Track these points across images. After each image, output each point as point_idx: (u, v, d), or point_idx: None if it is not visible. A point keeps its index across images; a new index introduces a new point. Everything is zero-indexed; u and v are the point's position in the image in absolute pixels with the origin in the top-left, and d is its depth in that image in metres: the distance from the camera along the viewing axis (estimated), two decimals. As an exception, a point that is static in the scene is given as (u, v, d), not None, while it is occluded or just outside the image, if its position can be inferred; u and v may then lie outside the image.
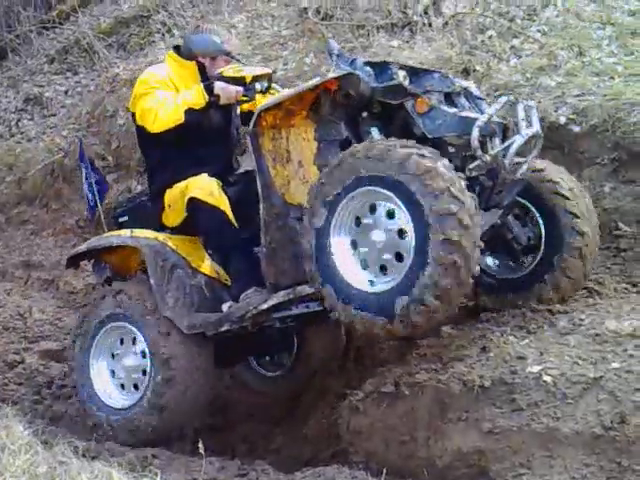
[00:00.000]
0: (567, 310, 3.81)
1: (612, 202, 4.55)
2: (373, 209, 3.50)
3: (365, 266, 3.52)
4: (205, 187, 3.98)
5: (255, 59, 6.85)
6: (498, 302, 4.07)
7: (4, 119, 9.15)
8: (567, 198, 3.92)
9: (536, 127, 3.84)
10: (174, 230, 4.21)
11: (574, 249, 3.89)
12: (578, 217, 3.90)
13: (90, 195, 4.90)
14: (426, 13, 6.60)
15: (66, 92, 9.05)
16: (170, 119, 3.98)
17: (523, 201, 4.01)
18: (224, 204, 3.98)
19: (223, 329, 3.95)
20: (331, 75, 3.74)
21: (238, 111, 4.30)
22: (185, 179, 4.07)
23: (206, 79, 4.19)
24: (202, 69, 4.26)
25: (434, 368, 3.65)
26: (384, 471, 3.29)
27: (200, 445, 3.13)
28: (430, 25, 6.45)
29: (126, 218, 4.45)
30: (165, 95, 4.07)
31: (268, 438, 4.42)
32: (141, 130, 4.19)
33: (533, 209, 4.00)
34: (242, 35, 7.54)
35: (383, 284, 3.45)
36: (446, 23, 6.40)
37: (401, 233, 3.43)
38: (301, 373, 4.64)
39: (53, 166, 7.56)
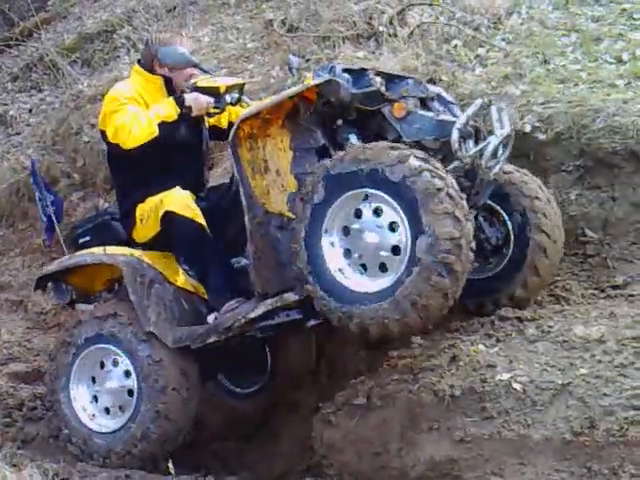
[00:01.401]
0: (535, 317, 3.84)
1: (578, 208, 4.57)
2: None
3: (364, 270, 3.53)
4: (180, 200, 3.96)
5: (221, 72, 6.82)
6: (466, 303, 4.07)
7: (-31, 140, 9.04)
8: (534, 199, 3.96)
9: (508, 128, 3.88)
10: (145, 246, 4.18)
11: (540, 248, 3.94)
12: (545, 217, 3.96)
13: (45, 218, 4.74)
14: (391, 24, 6.62)
15: (30, 110, 8.95)
16: (144, 134, 3.95)
17: (491, 204, 4.04)
18: (199, 217, 3.97)
19: (211, 340, 3.94)
20: (312, 82, 3.76)
21: (207, 125, 4.28)
22: (157, 194, 4.04)
23: (172, 92, 4.17)
24: (168, 82, 4.23)
25: (405, 379, 3.65)
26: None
27: (170, 465, 3.09)
28: (396, 35, 6.46)
29: (88, 238, 4.39)
30: (136, 110, 4.04)
31: (241, 454, 4.39)
32: (112, 147, 4.16)
33: (500, 210, 4.03)
34: (207, 49, 7.53)
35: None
36: (411, 33, 6.42)
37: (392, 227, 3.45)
38: (274, 389, 4.60)
39: (19, 185, 7.45)
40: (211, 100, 4.02)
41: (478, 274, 4.12)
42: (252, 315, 3.82)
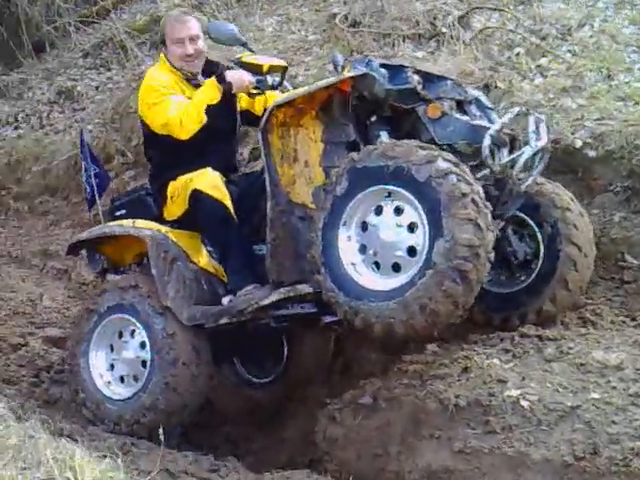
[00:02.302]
0: (557, 337, 3.71)
1: (620, 232, 4.41)
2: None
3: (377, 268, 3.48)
4: (209, 180, 3.95)
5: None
6: (491, 317, 3.98)
7: (36, 110, 9.26)
8: (565, 210, 3.87)
9: (545, 140, 3.77)
10: (174, 223, 4.19)
11: (570, 261, 3.82)
12: (577, 228, 3.84)
13: (89, 188, 4.81)
14: (455, 26, 6.51)
15: (97, 87, 9.13)
16: (194, 123, 3.94)
17: (522, 215, 3.94)
18: (227, 199, 3.95)
19: (222, 322, 3.94)
20: (347, 74, 3.70)
21: (238, 108, 4.26)
22: (189, 173, 4.04)
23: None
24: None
25: (413, 384, 3.58)
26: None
27: (160, 433, 3.11)
28: (457, 38, 6.36)
29: (123, 212, 4.43)
30: (179, 99, 4.04)
31: (250, 440, 4.39)
32: (148, 130, 4.18)
33: (532, 224, 3.93)
34: (269, 38, 7.55)
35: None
36: (474, 37, 6.31)
37: (411, 227, 3.40)
38: (288, 381, 4.57)
39: (77, 159, 7.58)
40: (253, 79, 3.97)
41: (506, 288, 4.03)
42: (265, 302, 3.79)
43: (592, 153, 4.71)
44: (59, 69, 9.89)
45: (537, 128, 3.80)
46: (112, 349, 4.18)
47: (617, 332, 3.80)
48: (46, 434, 2.82)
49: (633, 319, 4.01)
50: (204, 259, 4.14)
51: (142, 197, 4.48)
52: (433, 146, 3.45)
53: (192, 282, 4.02)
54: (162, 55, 4.25)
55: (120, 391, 4.12)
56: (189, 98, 4.05)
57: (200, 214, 3.99)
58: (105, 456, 2.64)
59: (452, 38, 6.40)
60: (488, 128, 3.63)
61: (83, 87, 9.31)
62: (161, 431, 3.22)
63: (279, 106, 3.75)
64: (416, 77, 3.66)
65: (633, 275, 4.27)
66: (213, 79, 4.01)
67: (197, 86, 4.11)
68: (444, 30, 6.50)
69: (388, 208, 3.45)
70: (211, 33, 4.07)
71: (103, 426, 4.00)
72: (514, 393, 3.30)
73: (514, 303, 3.97)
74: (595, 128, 4.82)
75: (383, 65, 3.69)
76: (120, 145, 7.25)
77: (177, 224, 4.19)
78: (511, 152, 3.74)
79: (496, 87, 5.55)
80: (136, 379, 4.07)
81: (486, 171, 3.62)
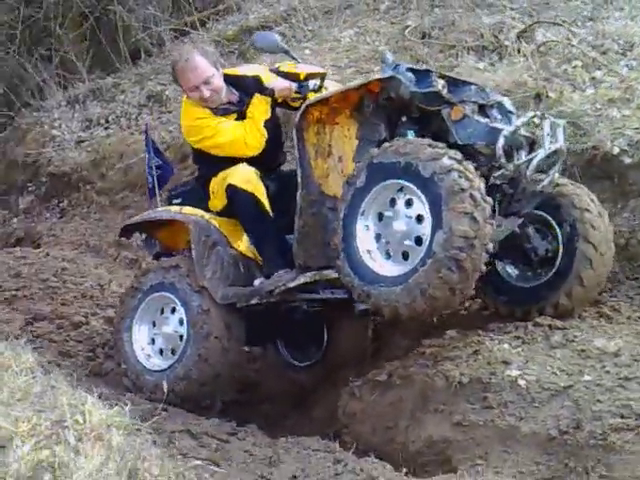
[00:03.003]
0: (566, 327, 3.91)
1: (649, 234, 4.57)
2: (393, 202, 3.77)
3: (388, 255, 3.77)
4: (243, 175, 4.29)
5: (348, 70, 7.18)
6: (513, 310, 4.20)
7: (126, 112, 9.84)
8: (584, 211, 4.06)
9: (560, 143, 3.98)
10: (219, 215, 4.55)
11: (586, 259, 4.02)
12: (594, 229, 4.03)
13: (150, 179, 5.14)
14: (518, 39, 6.72)
15: (185, 93, 9.65)
16: (258, 140, 4.29)
17: (544, 214, 4.15)
18: (260, 192, 4.28)
19: (253, 302, 4.27)
20: (375, 76, 4.03)
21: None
22: (228, 169, 4.40)
23: None
24: None
25: (426, 364, 3.85)
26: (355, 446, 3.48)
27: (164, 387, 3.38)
28: (519, 51, 6.56)
29: (179, 200, 4.80)
30: (233, 124, 4.36)
31: (285, 417, 4.69)
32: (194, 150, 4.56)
33: (553, 222, 4.14)
34: (343, 48, 7.90)
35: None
36: (536, 50, 6.50)
37: (419, 219, 3.67)
38: (327, 365, 4.87)
39: (158, 157, 8.10)
40: (294, 85, 4.29)
41: (527, 282, 4.26)
42: (291, 284, 4.11)
43: (628, 160, 4.87)
44: (151, 74, 10.47)
45: (553, 131, 4.00)
46: (154, 325, 4.55)
47: (629, 326, 3.96)
48: (66, 385, 3.09)
49: (649, 315, 4.16)
50: (244, 245, 4.48)
51: (196, 187, 4.87)
52: (441, 144, 3.71)
53: (230, 265, 4.37)
54: (185, 98, 4.51)
55: (158, 363, 4.44)
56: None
57: (235, 206, 4.34)
58: (116, 404, 2.93)
59: (514, 51, 6.61)
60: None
61: (171, 92, 9.84)
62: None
63: (313, 105, 4.08)
64: (441, 81, 3.92)
65: (655, 276, 4.42)
66: (258, 95, 4.34)
67: (226, 111, 4.41)
68: (506, 43, 6.72)
69: (400, 201, 3.75)
70: (257, 43, 4.44)
71: (141, 394, 4.34)
72: (514, 373, 3.54)
73: (534, 297, 4.18)
74: (633, 136, 4.98)
75: (410, 69, 3.96)
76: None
77: (221, 216, 4.54)
78: (530, 154, 3.96)
79: (547, 97, 5.74)
80: (174, 352, 4.42)
81: (502, 171, 3.85)
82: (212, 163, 4.48)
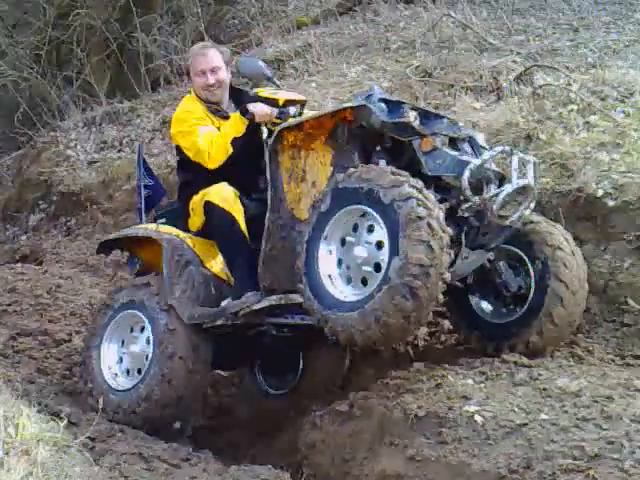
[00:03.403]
0: (531, 365, 3.88)
1: (627, 277, 4.56)
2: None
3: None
4: (221, 193, 4.32)
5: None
6: (485, 345, 4.21)
7: (139, 136, 10.00)
8: (556, 249, 4.06)
9: (529, 180, 3.99)
10: (197, 234, 4.58)
11: (557, 297, 4.02)
12: (566, 267, 4.02)
13: (138, 198, 5.21)
14: (517, 81, 6.76)
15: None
16: (221, 154, 4.33)
17: (517, 251, 4.15)
18: (237, 212, 4.29)
19: (219, 322, 4.28)
20: (346, 104, 4.07)
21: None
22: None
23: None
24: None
25: (387, 395, 3.81)
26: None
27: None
28: (516, 93, 6.59)
29: (163, 220, 4.85)
30: (208, 130, 4.44)
31: (249, 445, 4.66)
32: (179, 153, 4.63)
33: (526, 259, 4.13)
34: (348, 83, 7.99)
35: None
36: (533, 93, 6.52)
37: (379, 245, 3.69)
38: (301, 394, 4.85)
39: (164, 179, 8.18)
40: (275, 110, 4.34)
41: (500, 318, 4.26)
42: (256, 307, 4.12)
43: (611, 202, 4.86)
44: (167, 101, 10.64)
45: (522, 168, 4.01)
46: (123, 343, 4.54)
47: (596, 367, 3.93)
48: (8, 397, 3.10)
49: (622, 358, 4.14)
50: (218, 266, 4.49)
51: (181, 208, 4.92)
52: (404, 172, 3.72)
53: (200, 285, 4.38)
54: (190, 88, 4.68)
55: (124, 383, 4.40)
56: (217, 128, 4.44)
57: (211, 223, 4.37)
58: (53, 420, 2.91)
59: (511, 92, 6.65)
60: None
61: (185, 117, 9.99)
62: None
63: (288, 129, 4.12)
64: (413, 112, 3.94)
65: (633, 319, 4.41)
66: (238, 113, 4.40)
67: (223, 117, 4.50)
68: (504, 85, 6.76)
69: (362, 226, 3.78)
70: (240, 68, 4.51)
71: (104, 415, 4.26)
72: (472, 409, 3.50)
73: (506, 333, 4.18)
74: (619, 179, 4.97)
75: (383, 100, 3.99)
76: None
77: (200, 235, 4.57)
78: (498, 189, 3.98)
79: (537, 138, 5.76)
80: (139, 372, 4.41)
81: (470, 203, 3.86)
82: (194, 179, 4.52)
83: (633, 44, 7.80)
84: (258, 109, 4.36)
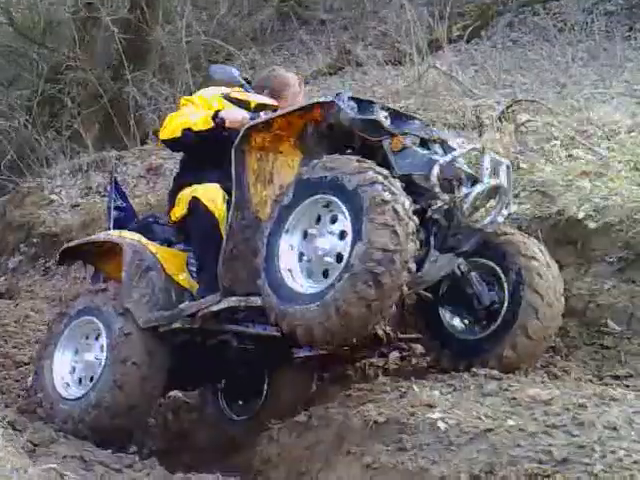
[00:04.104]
0: (502, 377, 3.64)
1: (607, 299, 4.37)
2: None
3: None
4: (210, 193, 4.19)
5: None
6: (457, 364, 3.96)
7: (124, 182, 9.91)
8: (530, 259, 3.86)
9: (502, 180, 3.82)
10: (175, 225, 4.41)
11: (532, 308, 3.79)
12: (541, 277, 3.82)
13: (109, 217, 5.16)
14: (500, 119, 6.68)
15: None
16: (168, 133, 4.30)
17: (490, 262, 3.96)
18: (220, 215, 4.13)
19: (176, 325, 4.08)
20: (315, 100, 3.93)
21: None
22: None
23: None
24: None
25: (348, 405, 3.57)
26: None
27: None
28: (499, 129, 6.50)
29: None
30: (185, 112, 4.39)
31: (205, 466, 4.37)
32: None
33: (499, 270, 3.93)
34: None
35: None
36: (516, 129, 6.43)
37: (342, 235, 3.52)
38: (264, 418, 4.58)
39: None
40: (246, 115, 4.22)
41: (471, 335, 4.03)
42: (214, 308, 3.91)
43: (592, 225, 4.70)
44: (154, 150, 10.63)
45: (494, 168, 3.86)
46: (76, 352, 4.33)
47: (571, 383, 3.69)
48: None
49: (600, 379, 3.91)
50: (181, 275, 4.30)
51: (149, 223, 4.78)
52: (370, 161, 3.57)
53: (161, 291, 4.18)
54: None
55: (75, 392, 4.21)
56: None
57: (190, 218, 4.23)
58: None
59: (494, 129, 6.55)
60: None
61: (170, 164, 9.95)
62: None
63: (255, 130, 3.96)
64: (383, 112, 3.81)
65: (613, 341, 4.21)
66: (210, 113, 4.29)
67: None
68: (487, 121, 6.68)
69: (325, 217, 3.61)
70: (213, 75, 4.43)
71: (53, 425, 4.08)
72: (435, 416, 3.25)
73: (478, 350, 3.94)
74: (599, 202, 4.83)
75: (353, 98, 3.85)
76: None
77: (176, 226, 4.40)
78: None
79: (519, 167, 5.63)
80: (92, 380, 4.19)
81: (440, 203, 3.70)
82: (189, 174, 4.41)
83: (619, 96, 7.79)
84: (230, 115, 4.25)
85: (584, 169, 5.45)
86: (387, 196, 3.39)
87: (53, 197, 10.29)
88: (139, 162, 10.52)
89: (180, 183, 4.45)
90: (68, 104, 11.79)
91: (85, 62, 11.17)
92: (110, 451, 3.75)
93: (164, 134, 4.36)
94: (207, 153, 4.31)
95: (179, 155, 10.83)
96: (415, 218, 3.46)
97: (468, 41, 10.17)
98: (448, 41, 9.42)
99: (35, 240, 9.61)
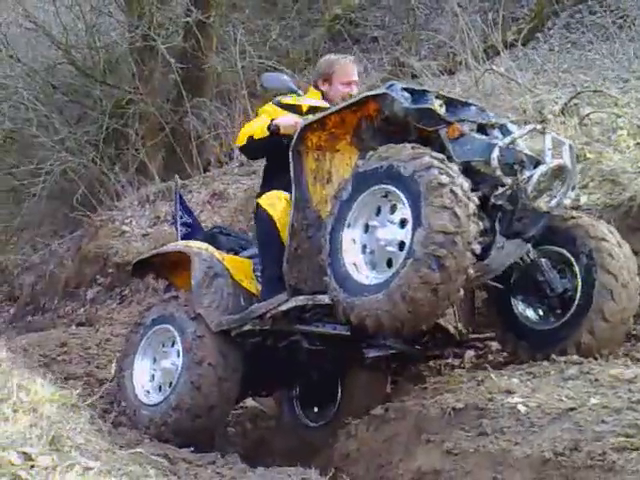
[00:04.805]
0: (583, 362, 3.54)
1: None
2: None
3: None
4: (271, 198, 4.24)
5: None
6: (534, 354, 3.86)
7: (192, 209, 10.10)
8: (601, 240, 3.76)
9: (565, 160, 3.74)
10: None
11: (606, 290, 3.68)
12: (613, 258, 3.72)
13: (177, 234, 5.20)
14: (563, 114, 6.58)
15: (245, 190, 9.88)
16: (238, 141, 4.44)
17: (560, 249, 3.87)
18: (282, 220, 4.15)
19: (246, 328, 4.11)
20: (367, 93, 3.90)
21: None
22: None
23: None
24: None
25: (424, 396, 3.54)
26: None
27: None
28: (564, 123, 6.39)
29: None
30: (253, 121, 4.53)
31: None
32: None
33: (569, 256, 3.84)
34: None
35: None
36: (581, 121, 6.32)
37: (403, 223, 3.50)
38: (339, 424, 4.54)
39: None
40: (299, 120, 4.22)
41: (547, 324, 3.93)
42: (283, 307, 3.91)
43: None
44: (217, 176, 10.80)
45: (557, 148, 3.78)
46: (154, 360, 4.41)
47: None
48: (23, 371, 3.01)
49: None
50: (248, 281, 4.36)
51: (215, 234, 4.85)
52: (426, 147, 3.53)
53: (230, 296, 4.24)
54: (313, 87, 4.56)
55: (155, 398, 4.29)
56: None
57: (256, 224, 4.34)
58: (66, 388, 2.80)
59: (557, 123, 6.44)
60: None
61: (233, 190, 10.10)
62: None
63: (311, 129, 3.97)
64: (437, 100, 3.76)
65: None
66: (266, 122, 4.34)
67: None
68: (549, 116, 6.57)
69: (385, 207, 3.58)
70: (265, 83, 4.48)
71: (137, 431, 4.13)
72: (515, 400, 3.19)
73: (555, 338, 3.83)
74: (674, 186, 4.68)
75: (406, 89, 3.82)
76: (243, 225, 7.79)
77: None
78: None
79: (585, 158, 5.52)
80: (170, 385, 4.25)
81: (504, 188, 3.64)
82: (267, 180, 4.50)
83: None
84: (283, 121, 4.28)
85: (654, 154, 5.32)
86: (444, 179, 3.35)
87: (124, 228, 10.57)
88: (203, 189, 10.70)
89: (259, 192, 4.53)
90: (132, 138, 12.04)
91: (146, 95, 11.42)
92: (192, 449, 3.76)
93: (236, 142, 4.54)
94: (275, 160, 4.39)
95: (244, 179, 11.01)
96: (475, 199, 3.41)
97: (524, 44, 10.04)
98: (504, 46, 9.33)
99: (110, 270, 9.88)
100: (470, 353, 4.56)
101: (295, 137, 4.00)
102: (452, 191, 3.32)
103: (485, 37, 9.80)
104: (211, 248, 4.46)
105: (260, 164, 9.98)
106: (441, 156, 3.48)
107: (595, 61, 9.54)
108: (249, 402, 5.15)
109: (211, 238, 4.82)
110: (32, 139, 11.93)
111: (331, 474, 3.66)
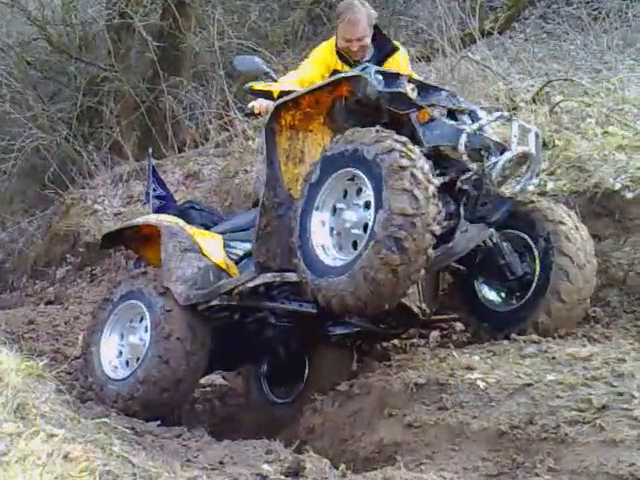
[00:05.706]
0: (542, 341, 3.64)
1: (647, 268, 4.32)
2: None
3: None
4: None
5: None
6: (495, 334, 3.97)
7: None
8: (558, 223, 3.86)
9: (530, 148, 3.82)
10: None
11: (562, 271, 3.79)
12: (569, 240, 3.82)
13: (149, 207, 5.24)
14: (534, 101, 6.67)
15: (220, 170, 9.89)
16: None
17: (519, 232, 3.97)
18: None
19: (214, 303, 4.16)
20: (342, 75, 3.96)
21: None
22: None
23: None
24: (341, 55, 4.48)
25: (389, 372, 3.62)
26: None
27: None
28: (535, 111, 6.49)
29: None
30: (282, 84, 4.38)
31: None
32: None
33: (528, 239, 3.93)
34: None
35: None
36: (551, 109, 6.41)
37: (367, 205, 3.56)
38: (305, 401, 4.62)
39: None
40: (271, 103, 4.24)
41: (507, 306, 4.04)
42: (250, 284, 3.97)
43: (629, 195, 4.68)
44: (192, 157, 10.77)
45: (523, 135, 3.87)
46: (122, 336, 4.43)
47: (611, 343, 3.68)
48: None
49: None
50: (218, 257, 4.37)
51: (187, 209, 4.88)
52: (390, 131, 3.59)
53: (200, 270, 4.27)
54: (335, 37, 4.50)
55: (123, 373, 4.31)
56: (336, 71, 4.29)
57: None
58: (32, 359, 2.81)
59: (528, 111, 6.54)
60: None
61: (208, 170, 10.10)
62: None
63: (284, 108, 4.01)
64: (410, 85, 3.83)
65: (657, 307, 4.14)
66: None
67: (348, 63, 4.39)
68: (521, 104, 6.67)
69: (351, 191, 3.66)
70: (237, 66, 4.50)
71: (103, 406, 4.16)
72: (474, 376, 3.28)
73: (514, 319, 3.95)
74: (635, 173, 4.80)
75: (379, 72, 3.88)
76: (217, 205, 7.82)
77: None
78: None
79: (554, 145, 5.62)
80: (139, 360, 4.27)
81: (470, 173, 3.72)
82: None
83: (658, 82, 7.70)
84: (256, 103, 4.35)
85: (620, 144, 5.42)
86: (405, 162, 3.41)
87: (96, 207, 10.51)
88: (178, 169, 10.66)
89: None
90: (107, 116, 11.93)
91: (121, 73, 11.34)
92: (159, 423, 3.81)
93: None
94: None
95: (219, 160, 10.94)
96: (435, 181, 3.48)
97: (500, 32, 10.12)
98: (481, 34, 9.40)
99: (80, 249, 9.84)
100: (435, 333, 4.66)
101: (269, 115, 4.04)
102: (412, 174, 3.38)
103: (463, 25, 9.85)
104: (182, 222, 4.49)
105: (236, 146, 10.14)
106: (404, 139, 3.54)
107: (569, 51, 9.64)
108: (218, 380, 5.21)
109: (184, 213, 4.85)
110: (4, 115, 11.79)
111: (295, 446, 3.73)
